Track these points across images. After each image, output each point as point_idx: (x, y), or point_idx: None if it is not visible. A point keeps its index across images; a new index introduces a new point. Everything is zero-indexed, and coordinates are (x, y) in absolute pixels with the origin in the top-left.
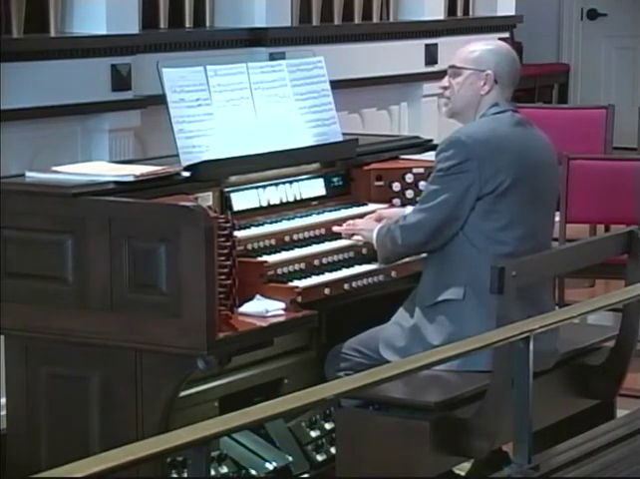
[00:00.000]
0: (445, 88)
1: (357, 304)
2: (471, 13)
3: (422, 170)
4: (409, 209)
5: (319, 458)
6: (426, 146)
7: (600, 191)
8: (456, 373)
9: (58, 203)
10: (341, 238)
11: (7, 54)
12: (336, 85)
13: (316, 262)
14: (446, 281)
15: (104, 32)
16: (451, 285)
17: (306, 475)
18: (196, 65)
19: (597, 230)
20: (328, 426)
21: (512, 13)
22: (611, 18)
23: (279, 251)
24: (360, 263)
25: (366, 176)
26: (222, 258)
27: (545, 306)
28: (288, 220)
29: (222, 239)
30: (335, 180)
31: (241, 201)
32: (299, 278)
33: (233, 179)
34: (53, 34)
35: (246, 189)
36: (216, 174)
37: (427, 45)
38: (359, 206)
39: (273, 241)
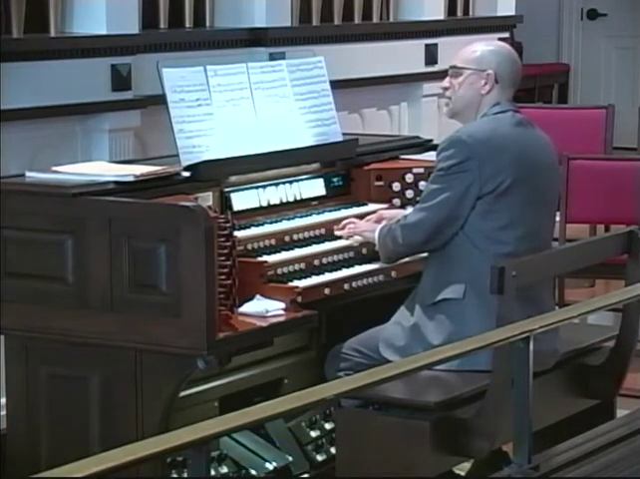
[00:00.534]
0: (445, 88)
1: (357, 304)
2: (471, 13)
3: (422, 170)
4: (409, 209)
5: (319, 458)
6: (426, 146)
7: (600, 191)
8: (456, 373)
9: (58, 203)
10: (341, 237)
11: (7, 54)
12: (336, 85)
13: (316, 262)
14: (446, 281)
15: (104, 32)
16: (451, 285)
17: (306, 475)
18: (196, 65)
19: (597, 230)
20: (328, 426)
21: (512, 13)
22: (611, 18)
23: (279, 251)
24: (360, 263)
25: (366, 176)
26: (222, 258)
27: (545, 306)
28: (288, 220)
29: (222, 239)
30: (335, 180)
31: (241, 201)
32: (299, 278)
33: (233, 179)
34: (53, 34)
35: (246, 189)
36: (216, 174)
37: (427, 45)
38: (359, 206)
39: (273, 241)
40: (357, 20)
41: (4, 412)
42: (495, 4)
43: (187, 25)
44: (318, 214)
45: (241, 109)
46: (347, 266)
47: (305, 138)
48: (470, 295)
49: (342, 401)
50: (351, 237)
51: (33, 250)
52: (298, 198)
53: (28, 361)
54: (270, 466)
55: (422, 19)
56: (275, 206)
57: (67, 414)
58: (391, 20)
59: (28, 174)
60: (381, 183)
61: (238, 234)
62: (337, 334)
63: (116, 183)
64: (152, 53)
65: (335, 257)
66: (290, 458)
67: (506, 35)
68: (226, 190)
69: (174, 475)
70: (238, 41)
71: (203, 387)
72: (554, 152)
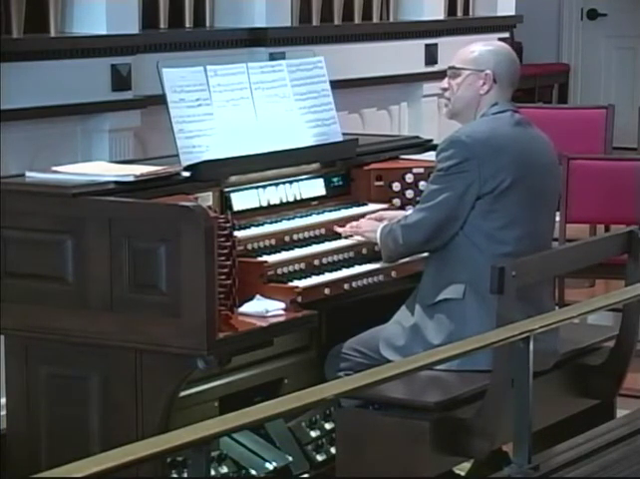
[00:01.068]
0: (444, 89)
1: (357, 304)
2: (471, 13)
3: (422, 170)
4: (409, 209)
5: (319, 458)
6: (426, 146)
7: (600, 191)
8: (455, 373)
9: (58, 203)
10: (341, 237)
11: (7, 54)
12: (336, 85)
13: (316, 262)
14: (446, 281)
15: (104, 32)
16: (451, 285)
17: (306, 475)
18: (196, 65)
19: (597, 230)
20: (328, 426)
21: (512, 13)
22: (611, 18)
23: (279, 251)
24: (360, 263)
25: (366, 176)
26: (222, 258)
27: (545, 306)
28: (288, 220)
29: (222, 239)
30: (335, 180)
31: (241, 201)
32: (299, 278)
33: (233, 179)
34: (53, 34)
35: (246, 189)
36: (216, 174)
37: (427, 45)
38: (359, 206)
39: (273, 241)
40: (357, 20)
41: (4, 412)
42: (495, 4)
43: (187, 25)
44: (318, 214)
45: (241, 109)
46: (347, 266)
47: (305, 138)
48: (470, 295)
49: (342, 401)
50: (350, 236)
51: (33, 250)
52: (298, 198)
53: (28, 361)
54: (270, 466)
55: (422, 19)
56: (275, 206)
57: (67, 414)
58: (391, 20)
59: (28, 174)
60: (381, 183)
61: (238, 234)
62: (337, 334)
63: (116, 183)
64: (152, 53)
65: (335, 257)
66: (290, 458)
67: (506, 35)
68: (226, 190)
69: (174, 475)
70: (238, 41)
71: (203, 387)
72: (554, 151)
